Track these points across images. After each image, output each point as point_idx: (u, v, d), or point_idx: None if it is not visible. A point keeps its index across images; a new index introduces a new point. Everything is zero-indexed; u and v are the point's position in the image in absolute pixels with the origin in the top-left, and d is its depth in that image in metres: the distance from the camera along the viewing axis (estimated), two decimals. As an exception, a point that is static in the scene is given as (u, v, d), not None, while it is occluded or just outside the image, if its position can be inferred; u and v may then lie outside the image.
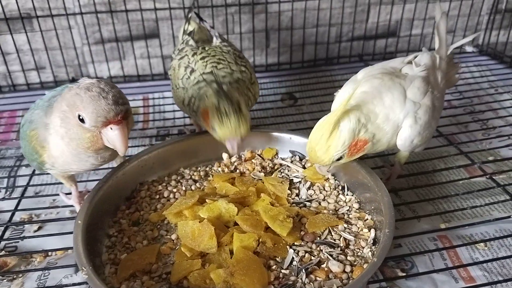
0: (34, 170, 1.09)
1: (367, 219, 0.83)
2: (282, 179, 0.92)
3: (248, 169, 0.97)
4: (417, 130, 0.83)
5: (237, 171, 0.98)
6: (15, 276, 0.82)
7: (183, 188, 0.92)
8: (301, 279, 0.71)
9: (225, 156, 1.01)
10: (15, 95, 1.45)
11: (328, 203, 0.87)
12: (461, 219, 0.91)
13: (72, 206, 0.96)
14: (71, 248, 0.85)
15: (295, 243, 0.77)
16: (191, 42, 1.04)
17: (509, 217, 0.90)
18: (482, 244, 0.84)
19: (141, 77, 1.56)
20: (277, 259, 0.75)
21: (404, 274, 0.78)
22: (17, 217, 0.96)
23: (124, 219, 0.85)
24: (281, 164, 0.99)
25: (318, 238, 0.79)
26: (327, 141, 0.77)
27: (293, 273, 0.72)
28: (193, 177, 0.96)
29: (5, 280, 0.81)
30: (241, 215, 0.80)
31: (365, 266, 0.73)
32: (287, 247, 0.77)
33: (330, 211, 0.85)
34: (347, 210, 0.85)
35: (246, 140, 1.00)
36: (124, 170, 0.91)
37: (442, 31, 0.95)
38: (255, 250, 0.75)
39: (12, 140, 1.24)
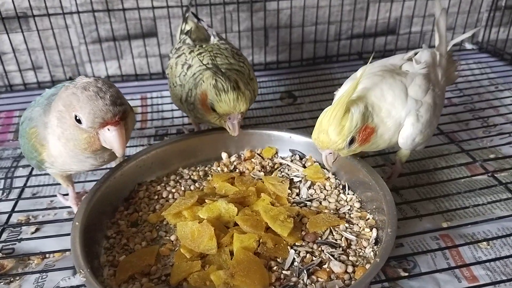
0: (31, 171, 1.08)
1: (368, 218, 0.82)
2: (282, 178, 0.91)
3: (247, 169, 0.96)
4: (419, 128, 0.82)
5: (237, 170, 0.97)
6: (12, 279, 0.81)
7: (182, 188, 0.91)
8: (303, 280, 0.70)
9: (224, 155, 1.00)
10: (12, 95, 1.44)
11: (329, 202, 0.86)
12: (463, 217, 0.90)
13: (70, 207, 0.95)
14: (69, 250, 0.83)
15: (296, 244, 0.76)
16: (188, 40, 1.04)
17: (511, 215, 0.89)
18: (484, 243, 0.84)
19: (139, 76, 1.54)
20: (278, 260, 0.74)
21: (406, 274, 0.78)
22: (14, 218, 0.94)
23: (123, 220, 0.84)
24: (281, 163, 0.98)
25: (319, 238, 0.78)
26: (340, 121, 0.75)
27: (294, 274, 0.71)
28: (192, 177, 0.95)
29: (2, 283, 0.79)
30: (241, 216, 0.79)
31: (367, 266, 0.72)
32: (288, 247, 0.76)
33: (331, 211, 0.84)
34: (348, 210, 0.85)
35: (245, 139, 1.00)
36: (122, 171, 0.90)
37: (442, 27, 0.94)
38: (255, 251, 0.74)
39: (9, 141, 1.23)
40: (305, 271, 0.71)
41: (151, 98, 1.42)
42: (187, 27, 1.14)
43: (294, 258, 0.74)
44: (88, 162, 0.79)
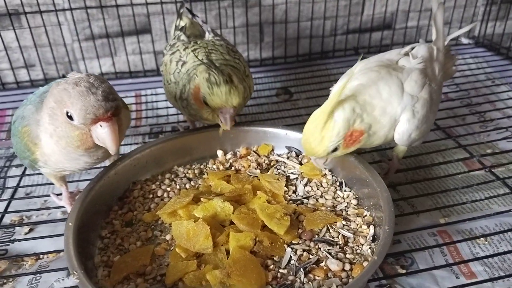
0: (24, 171, 1.07)
1: (365, 215, 0.81)
2: (278, 175, 0.90)
3: (243, 166, 0.95)
4: (415, 124, 0.81)
5: (233, 168, 0.96)
6: (5, 281, 0.79)
7: (177, 187, 0.90)
8: (300, 278, 0.69)
9: (219, 153, 0.99)
10: (4, 93, 1.42)
11: (326, 199, 0.86)
12: (461, 213, 0.90)
13: (64, 207, 0.94)
14: (63, 250, 0.82)
15: (293, 242, 0.76)
16: (183, 37, 1.02)
17: (509, 211, 0.89)
18: (482, 238, 0.83)
19: (133, 73, 1.53)
20: (274, 258, 0.73)
21: (404, 271, 0.77)
22: (7, 219, 0.93)
23: (117, 220, 0.83)
24: (277, 161, 0.97)
25: (316, 236, 0.77)
26: (321, 131, 0.75)
27: (291, 273, 0.71)
28: (187, 175, 0.94)
29: (-5, 285, 0.79)
30: (237, 214, 0.78)
31: (364, 264, 0.71)
32: (285, 245, 0.75)
33: (328, 208, 0.83)
34: (345, 207, 0.84)
35: (241, 136, 0.99)
36: (116, 169, 0.89)
37: (439, 22, 0.93)
38: (252, 250, 0.73)
39: (1, 140, 1.22)
40: (302, 269, 0.70)
41: (146, 95, 1.41)
42: (182, 23, 1.12)
43: (291, 257, 0.73)
44: (81, 160, 0.78)
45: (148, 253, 0.74)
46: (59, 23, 1.40)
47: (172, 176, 0.94)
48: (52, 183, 0.95)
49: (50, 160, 0.78)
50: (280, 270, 0.71)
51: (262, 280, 0.68)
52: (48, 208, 0.96)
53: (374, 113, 0.78)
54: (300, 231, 0.78)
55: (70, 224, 0.75)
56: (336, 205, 0.84)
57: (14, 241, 0.87)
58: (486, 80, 1.43)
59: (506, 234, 0.84)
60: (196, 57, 0.92)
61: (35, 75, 1.47)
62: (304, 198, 0.86)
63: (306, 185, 0.89)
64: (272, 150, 1.00)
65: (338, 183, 0.89)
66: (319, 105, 0.79)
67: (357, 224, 0.79)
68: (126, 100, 1.36)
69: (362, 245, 0.75)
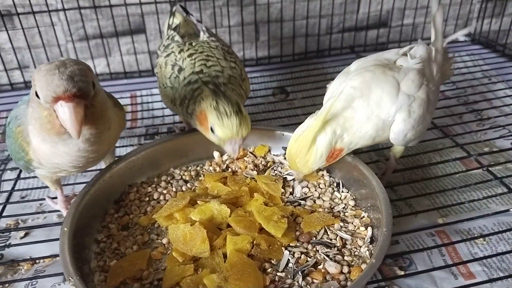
0: (19, 174, 1.05)
1: (363, 216, 0.81)
2: (275, 177, 0.90)
3: (240, 168, 0.94)
4: (411, 124, 0.81)
5: (229, 170, 0.95)
6: (1, 286, 0.78)
7: (174, 189, 0.89)
8: (298, 281, 0.69)
9: (216, 154, 0.98)
10: (-2, 95, 1.41)
11: (323, 201, 0.85)
12: (459, 213, 0.89)
13: (59, 210, 0.93)
14: (59, 255, 0.82)
15: (291, 244, 0.75)
16: (177, 37, 1.01)
17: (507, 210, 0.88)
18: (480, 238, 0.83)
19: (128, 74, 1.52)
20: (272, 261, 0.73)
21: (402, 272, 0.77)
22: (3, 223, 0.92)
23: (113, 224, 0.82)
24: (274, 162, 0.96)
25: (314, 238, 0.76)
26: (305, 156, 0.80)
27: (289, 276, 0.70)
28: (183, 177, 0.94)
29: (-10, 291, 0.78)
30: (234, 217, 0.77)
31: (363, 266, 0.71)
32: (283, 248, 0.74)
33: (326, 209, 0.83)
34: (343, 208, 0.83)
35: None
36: (112, 172, 0.88)
37: (438, 23, 0.93)
38: (249, 253, 0.72)
39: (-5, 143, 1.20)
40: (300, 272, 0.70)
41: (141, 96, 1.40)
42: (176, 21, 1.10)
43: (288, 259, 0.72)
44: (65, 152, 0.74)
45: (145, 257, 0.74)
46: (53, 23, 1.38)
47: (168, 179, 0.93)
48: (47, 186, 0.94)
49: (39, 155, 0.76)
50: (278, 274, 0.70)
51: (260, 283, 0.67)
52: (44, 211, 0.95)
53: (353, 128, 0.80)
54: (297, 233, 0.77)
55: (66, 229, 0.74)
56: (334, 207, 0.84)
57: (9, 245, 0.86)
58: (483, 77, 1.43)
59: (504, 234, 0.83)
60: (193, 66, 0.90)
61: (29, 77, 1.46)
62: (301, 199, 0.85)
63: (303, 186, 0.89)
64: (269, 151, 0.99)
65: (335, 184, 0.89)
66: (315, 104, 0.80)
67: (355, 226, 0.79)
68: (121, 101, 1.34)
69: (360, 247, 0.75)
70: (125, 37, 1.46)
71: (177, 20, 1.10)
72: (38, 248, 0.85)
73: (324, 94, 0.91)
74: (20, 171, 1.06)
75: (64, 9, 1.36)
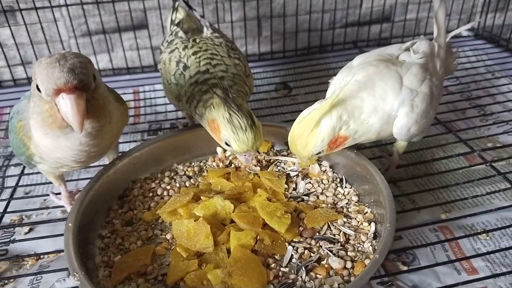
0: (23, 170, 1.06)
1: (366, 212, 0.81)
2: (278, 173, 0.90)
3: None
4: (414, 118, 0.81)
5: (232, 165, 0.95)
6: (6, 282, 0.79)
7: (177, 185, 0.90)
8: (301, 277, 0.69)
9: (219, 150, 0.98)
10: (1, 91, 1.41)
11: (327, 196, 0.85)
12: (462, 208, 0.90)
13: (63, 206, 0.93)
14: (63, 250, 0.82)
15: (294, 240, 0.75)
16: (181, 33, 1.00)
17: (510, 206, 0.88)
18: (484, 234, 0.83)
19: (130, 69, 1.51)
20: (276, 257, 0.73)
21: (405, 267, 0.77)
22: (7, 219, 0.93)
23: (117, 219, 0.83)
24: (277, 157, 0.96)
25: (317, 234, 0.77)
26: (306, 137, 0.77)
27: (292, 271, 0.70)
28: (187, 173, 0.94)
29: (-4, 286, 0.78)
30: (237, 212, 0.78)
31: (366, 261, 0.71)
32: (286, 244, 0.75)
33: (329, 205, 0.83)
34: (346, 204, 0.83)
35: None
36: (116, 168, 0.88)
37: (441, 19, 0.93)
38: (253, 248, 0.73)
39: (0, 139, 1.21)
40: (303, 267, 0.70)
41: (144, 91, 1.40)
42: (179, 16, 1.10)
43: (292, 255, 0.73)
44: (67, 146, 0.74)
45: (149, 252, 0.74)
46: (55, 19, 1.38)
47: (172, 174, 0.93)
48: (51, 182, 0.95)
49: (41, 150, 0.76)
50: (282, 269, 0.71)
51: (264, 279, 0.68)
52: (48, 207, 0.95)
53: (362, 116, 0.79)
54: (301, 229, 0.77)
55: (70, 225, 0.74)
56: (337, 202, 0.84)
57: (14, 241, 0.87)
58: (486, 72, 1.43)
59: (507, 230, 0.84)
60: (199, 65, 0.89)
61: (32, 73, 1.46)
62: (305, 195, 0.86)
63: (306, 182, 0.89)
64: (272, 146, 0.99)
65: (338, 180, 0.89)
66: (318, 100, 0.79)
67: (358, 221, 0.79)
68: (124, 97, 1.35)
69: (364, 242, 0.75)
70: (127, 33, 1.46)
71: (180, 15, 1.10)
72: (42, 243, 0.86)
73: (327, 90, 0.91)
74: (24, 167, 1.06)
75: (66, 5, 1.36)
